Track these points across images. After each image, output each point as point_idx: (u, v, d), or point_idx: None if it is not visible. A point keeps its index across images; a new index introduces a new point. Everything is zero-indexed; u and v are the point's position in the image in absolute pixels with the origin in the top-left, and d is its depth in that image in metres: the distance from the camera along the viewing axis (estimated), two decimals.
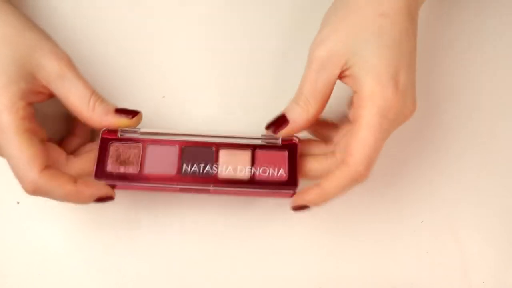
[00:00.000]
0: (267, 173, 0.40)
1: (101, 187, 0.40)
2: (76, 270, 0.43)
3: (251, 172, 0.40)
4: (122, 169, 0.40)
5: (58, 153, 0.40)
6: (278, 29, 0.48)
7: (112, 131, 0.41)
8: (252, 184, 0.40)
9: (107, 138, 0.41)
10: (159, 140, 0.41)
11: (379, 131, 0.37)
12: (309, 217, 0.45)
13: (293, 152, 0.40)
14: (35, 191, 0.37)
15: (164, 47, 0.47)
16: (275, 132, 0.40)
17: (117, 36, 0.47)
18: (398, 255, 0.44)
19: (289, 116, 0.39)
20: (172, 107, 0.46)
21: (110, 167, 0.40)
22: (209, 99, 0.46)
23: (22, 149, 0.36)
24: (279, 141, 0.41)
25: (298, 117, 0.39)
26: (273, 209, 0.45)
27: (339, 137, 0.41)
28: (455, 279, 0.44)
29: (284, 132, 0.40)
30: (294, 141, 0.41)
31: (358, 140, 0.37)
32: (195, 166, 0.40)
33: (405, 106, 0.38)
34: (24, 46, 0.38)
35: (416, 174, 0.46)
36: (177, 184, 0.40)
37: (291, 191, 0.40)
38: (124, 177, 0.40)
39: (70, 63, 0.39)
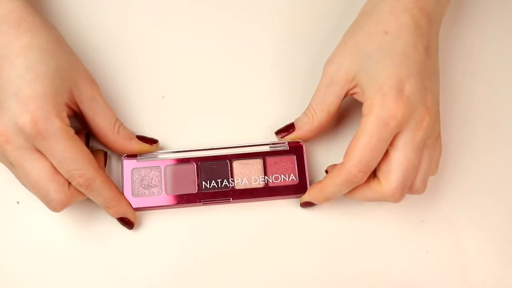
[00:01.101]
0: (279, 180, 0.44)
1: (130, 210, 0.43)
2: (76, 270, 0.43)
3: (264, 181, 0.43)
4: (147, 192, 0.43)
5: (98, 158, 0.43)
6: (279, 28, 0.48)
7: (132, 156, 0.44)
8: (267, 191, 0.43)
9: (129, 163, 0.43)
10: (176, 159, 0.44)
11: (375, 138, 0.38)
12: (309, 217, 0.45)
13: (300, 154, 0.44)
14: (88, 187, 0.39)
15: (164, 47, 0.47)
16: (282, 137, 0.44)
17: (118, 36, 0.47)
18: (398, 255, 0.44)
19: (296, 124, 0.44)
20: (172, 107, 0.46)
21: (136, 191, 0.43)
22: (211, 100, 0.46)
23: (76, 147, 0.38)
24: (287, 146, 0.44)
25: (304, 126, 0.43)
26: (273, 209, 0.45)
27: None
28: (455, 279, 0.44)
29: (289, 137, 0.44)
30: (300, 143, 0.44)
31: (355, 144, 0.39)
32: (213, 182, 0.43)
33: (415, 112, 0.38)
34: (66, 63, 0.40)
35: None
36: (199, 201, 0.43)
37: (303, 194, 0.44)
38: (149, 200, 0.43)
39: (99, 88, 0.42)
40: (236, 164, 0.44)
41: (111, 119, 0.42)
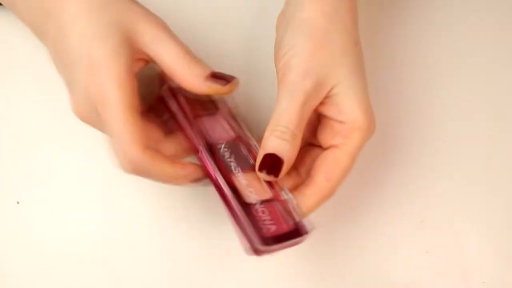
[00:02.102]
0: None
1: (197, 169, 0.38)
2: (76, 270, 0.43)
3: (255, 204, 0.38)
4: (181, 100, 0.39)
5: (156, 131, 0.38)
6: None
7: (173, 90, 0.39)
8: (246, 210, 0.37)
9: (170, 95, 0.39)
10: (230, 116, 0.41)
11: (355, 159, 0.38)
12: (309, 218, 0.45)
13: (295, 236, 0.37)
14: (134, 170, 0.36)
15: None
16: (273, 174, 0.37)
17: None
18: (398, 255, 0.44)
19: (281, 155, 0.37)
20: None
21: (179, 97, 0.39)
22: None
23: (126, 126, 0.35)
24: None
25: (290, 154, 0.37)
26: None
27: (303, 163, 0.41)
28: (455, 279, 0.44)
29: (281, 174, 0.37)
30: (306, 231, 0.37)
31: (339, 167, 0.38)
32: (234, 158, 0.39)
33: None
34: (119, 11, 0.37)
35: (416, 174, 0.46)
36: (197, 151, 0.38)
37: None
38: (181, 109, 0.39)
39: (164, 26, 0.38)
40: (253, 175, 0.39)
41: (178, 54, 0.37)
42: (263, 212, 0.37)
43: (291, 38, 0.38)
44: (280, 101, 0.37)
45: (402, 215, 0.45)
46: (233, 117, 0.42)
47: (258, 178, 0.39)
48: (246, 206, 0.37)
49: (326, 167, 0.38)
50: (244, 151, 0.40)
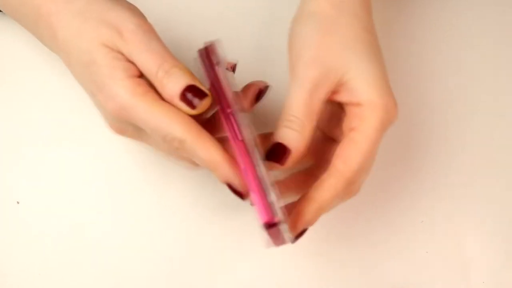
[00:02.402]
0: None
1: (235, 175, 0.35)
2: (76, 270, 0.43)
3: None
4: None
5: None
6: None
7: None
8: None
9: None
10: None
11: (376, 143, 0.36)
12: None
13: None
14: (182, 149, 0.35)
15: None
16: (278, 162, 0.36)
17: None
18: (398, 255, 0.44)
19: (288, 144, 0.36)
20: None
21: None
22: None
23: (156, 113, 0.35)
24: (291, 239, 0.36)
25: (298, 144, 0.36)
26: None
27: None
28: (455, 279, 0.44)
29: (289, 163, 0.36)
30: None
31: (356, 148, 0.36)
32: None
33: (396, 113, 0.38)
34: (92, 30, 0.36)
35: (416, 174, 0.46)
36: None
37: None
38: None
39: (136, 34, 0.36)
40: None
41: (151, 70, 0.35)
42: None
43: (301, 30, 0.38)
44: (289, 91, 0.37)
45: (402, 215, 0.45)
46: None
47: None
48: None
49: (344, 150, 0.36)
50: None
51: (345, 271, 0.44)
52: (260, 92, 0.39)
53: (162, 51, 0.36)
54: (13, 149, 0.44)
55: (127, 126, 0.37)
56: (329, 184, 0.36)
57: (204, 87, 0.36)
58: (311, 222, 0.37)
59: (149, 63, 0.35)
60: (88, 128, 0.44)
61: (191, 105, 0.35)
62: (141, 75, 0.36)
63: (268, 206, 0.34)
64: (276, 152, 0.36)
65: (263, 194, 0.35)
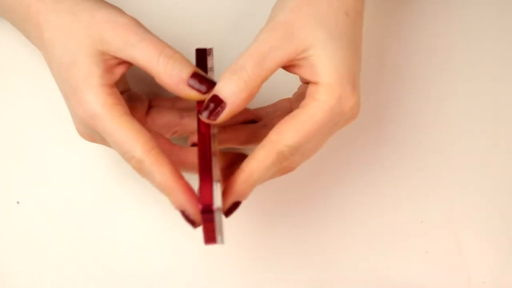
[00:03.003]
0: None
1: (194, 209, 0.35)
2: (76, 270, 0.43)
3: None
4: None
5: (163, 141, 0.38)
6: None
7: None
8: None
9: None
10: None
11: (319, 128, 0.35)
12: (309, 218, 0.45)
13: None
14: (139, 169, 0.35)
15: None
16: (210, 119, 0.35)
17: None
18: (398, 255, 0.44)
19: (223, 95, 0.34)
20: None
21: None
22: None
23: (122, 129, 0.34)
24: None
25: (236, 97, 0.34)
26: (271, 207, 0.45)
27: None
28: (455, 279, 0.44)
29: (220, 119, 0.35)
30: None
31: (294, 124, 0.34)
32: None
33: (353, 112, 0.36)
34: (87, 28, 0.36)
35: (416, 174, 0.46)
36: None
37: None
38: None
39: (130, 27, 0.36)
40: None
41: (151, 58, 0.35)
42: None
43: None
44: (247, 47, 0.35)
45: (402, 215, 0.45)
46: None
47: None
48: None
49: (281, 124, 0.35)
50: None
51: (345, 271, 0.44)
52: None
53: (160, 41, 0.36)
54: (13, 149, 0.44)
55: (95, 134, 0.37)
56: (259, 154, 0.35)
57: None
58: (241, 195, 0.35)
59: (148, 51, 0.35)
60: None
61: (199, 90, 0.35)
62: (115, 84, 0.36)
63: (211, 191, 0.33)
64: (208, 105, 0.35)
65: (211, 178, 0.34)
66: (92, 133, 0.37)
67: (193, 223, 0.35)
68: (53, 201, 0.44)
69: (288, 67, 0.36)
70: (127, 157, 0.35)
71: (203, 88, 0.35)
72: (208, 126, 0.36)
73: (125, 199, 0.44)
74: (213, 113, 0.35)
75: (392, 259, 0.44)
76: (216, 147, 0.36)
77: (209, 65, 0.38)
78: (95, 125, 0.35)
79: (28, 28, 0.39)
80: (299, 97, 0.40)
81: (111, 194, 0.44)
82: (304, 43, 0.35)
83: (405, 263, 0.44)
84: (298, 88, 0.41)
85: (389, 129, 0.46)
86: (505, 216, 0.46)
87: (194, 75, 0.35)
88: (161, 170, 0.35)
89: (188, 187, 0.35)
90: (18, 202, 0.44)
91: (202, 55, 0.39)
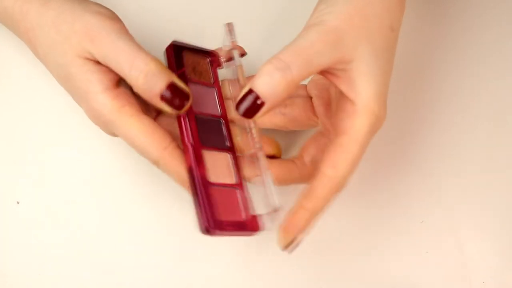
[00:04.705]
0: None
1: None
2: (76, 270, 0.43)
3: (214, 184, 0.36)
4: (185, 67, 0.38)
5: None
6: None
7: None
8: (204, 185, 0.35)
9: (210, 56, 0.40)
10: (221, 98, 0.39)
11: (364, 148, 0.35)
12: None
13: (241, 229, 0.36)
14: (158, 167, 0.36)
15: None
16: (246, 116, 0.34)
17: None
18: (398, 255, 0.44)
19: (261, 90, 0.33)
20: None
21: (185, 56, 0.38)
22: None
23: (135, 131, 0.35)
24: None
25: (275, 91, 0.33)
26: None
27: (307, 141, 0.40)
28: (455, 279, 0.44)
29: (258, 115, 0.34)
30: (254, 229, 0.36)
31: (346, 153, 0.35)
32: (204, 130, 0.37)
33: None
34: (65, 41, 0.36)
35: (416, 174, 0.46)
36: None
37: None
38: (178, 69, 0.37)
39: (105, 35, 0.35)
40: (225, 156, 0.38)
41: (124, 72, 0.34)
42: (221, 195, 0.36)
43: None
44: (293, 41, 0.34)
45: (402, 215, 0.45)
46: (230, 97, 0.40)
47: (227, 163, 0.38)
48: (207, 184, 0.36)
49: (332, 155, 0.35)
50: (224, 131, 0.39)
51: (345, 271, 0.44)
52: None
53: (133, 48, 0.35)
54: (13, 149, 0.44)
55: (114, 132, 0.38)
56: (320, 192, 0.35)
57: (183, 84, 0.35)
58: (303, 231, 0.36)
59: (120, 62, 0.35)
60: (89, 128, 0.44)
61: (174, 106, 0.35)
62: (119, 81, 0.36)
63: (202, 214, 0.35)
64: (247, 101, 0.33)
65: (198, 201, 0.35)
66: (111, 131, 0.38)
67: None
68: (53, 201, 0.44)
69: (323, 72, 0.35)
70: (145, 156, 0.36)
71: (176, 102, 0.35)
72: (192, 161, 0.36)
73: (125, 199, 0.44)
74: (250, 111, 0.33)
75: (392, 259, 0.44)
76: (259, 137, 0.36)
77: (227, 42, 0.38)
78: (110, 128, 0.36)
79: (26, 43, 0.40)
80: (318, 87, 0.40)
81: (111, 194, 0.44)
82: (349, 55, 0.34)
83: (405, 263, 0.44)
84: (312, 76, 0.41)
85: (389, 129, 0.46)
86: (505, 216, 0.46)
87: (168, 87, 0.35)
88: (176, 170, 0.35)
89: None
90: (18, 202, 0.44)
91: (178, 51, 0.39)
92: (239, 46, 0.38)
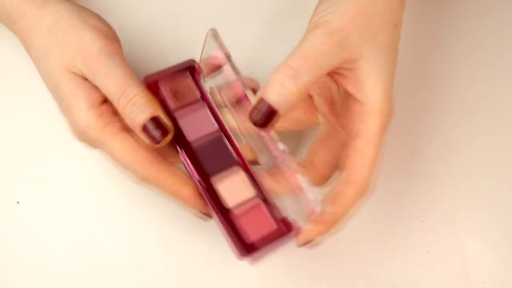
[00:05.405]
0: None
1: (202, 207, 0.37)
2: (76, 270, 0.43)
3: (235, 208, 0.37)
4: (165, 93, 0.38)
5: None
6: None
7: (200, 68, 0.39)
8: (225, 215, 0.36)
9: (187, 67, 0.38)
10: (213, 110, 0.39)
11: (380, 145, 0.36)
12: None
13: (279, 236, 0.37)
14: (144, 184, 0.36)
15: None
16: (263, 126, 0.33)
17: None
18: (398, 255, 0.44)
19: (275, 101, 0.33)
20: None
21: (162, 83, 0.38)
22: None
23: (120, 149, 0.35)
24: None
25: (287, 101, 0.33)
26: None
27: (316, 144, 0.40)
28: (455, 279, 0.44)
29: (274, 126, 0.34)
30: (290, 229, 0.37)
31: (364, 157, 0.35)
32: (207, 155, 0.38)
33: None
34: (57, 51, 0.36)
35: (416, 174, 0.46)
36: (180, 147, 0.37)
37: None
38: (159, 99, 0.37)
39: (100, 58, 0.35)
40: (236, 172, 0.38)
41: (113, 97, 0.35)
42: (245, 214, 0.37)
43: None
44: (298, 45, 0.34)
45: (402, 215, 0.45)
46: (222, 104, 0.40)
47: (241, 178, 0.38)
48: (227, 212, 0.36)
49: (351, 160, 0.36)
50: (227, 145, 0.39)
51: (345, 271, 0.44)
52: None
53: (126, 76, 0.35)
54: (13, 149, 0.44)
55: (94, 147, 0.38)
56: (347, 196, 0.36)
57: (167, 118, 0.36)
58: (327, 234, 0.37)
59: (111, 89, 0.35)
60: None
61: (153, 138, 0.35)
62: (105, 100, 0.36)
63: (231, 245, 0.36)
64: (260, 112, 0.33)
65: (223, 234, 0.36)
66: (94, 146, 0.38)
67: (205, 217, 0.38)
68: (53, 201, 0.44)
69: (336, 75, 0.36)
70: (130, 174, 0.36)
71: (157, 134, 0.35)
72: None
73: (125, 199, 0.44)
74: (265, 121, 0.33)
75: (392, 259, 0.44)
76: (274, 132, 0.35)
77: (213, 48, 0.37)
78: (92, 144, 0.37)
79: (21, 41, 0.40)
80: (318, 85, 0.40)
81: (111, 194, 0.44)
82: (355, 54, 0.35)
83: (405, 263, 0.44)
84: None
85: (389, 129, 0.46)
86: (505, 216, 0.46)
87: (151, 120, 0.35)
88: (164, 186, 0.36)
89: (192, 193, 0.36)
90: (18, 202, 0.44)
91: (153, 85, 0.38)
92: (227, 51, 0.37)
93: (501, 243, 0.45)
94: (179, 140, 0.38)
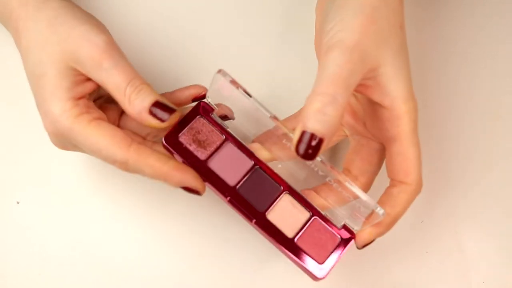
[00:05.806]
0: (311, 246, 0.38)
1: (192, 178, 0.37)
2: (76, 270, 0.43)
3: (297, 234, 0.38)
4: (191, 147, 0.38)
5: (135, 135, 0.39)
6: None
7: (209, 107, 0.39)
8: (291, 246, 0.38)
9: (199, 111, 0.38)
10: (240, 144, 0.39)
11: (418, 142, 0.37)
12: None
13: (345, 245, 0.39)
14: (127, 170, 0.36)
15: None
16: (309, 157, 0.33)
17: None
18: (398, 255, 0.44)
19: (318, 131, 0.32)
20: None
21: (183, 138, 0.38)
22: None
23: (98, 136, 0.36)
24: (341, 226, 0.39)
25: (331, 129, 0.33)
26: None
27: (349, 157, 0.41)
28: (455, 279, 0.44)
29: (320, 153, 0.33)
30: (352, 235, 0.39)
31: (410, 159, 0.37)
32: (253, 193, 0.38)
33: None
34: (62, 41, 0.36)
35: None
36: (226, 196, 0.38)
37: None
38: (188, 155, 0.38)
39: (105, 49, 0.36)
40: (285, 198, 0.38)
41: (119, 86, 0.36)
42: (309, 236, 0.38)
43: (338, 13, 0.36)
44: (323, 71, 0.34)
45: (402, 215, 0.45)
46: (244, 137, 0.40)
47: (291, 203, 0.39)
48: (291, 243, 0.38)
49: (399, 165, 0.37)
50: (267, 175, 0.39)
51: (345, 271, 0.44)
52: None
53: (132, 69, 0.37)
54: (13, 149, 0.44)
55: (66, 143, 0.38)
56: (402, 199, 0.37)
57: (168, 102, 0.37)
58: (383, 234, 0.38)
59: (118, 78, 0.36)
60: None
61: (160, 119, 0.36)
62: (85, 96, 0.37)
63: (306, 272, 0.38)
64: (306, 143, 0.32)
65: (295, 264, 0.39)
66: (63, 142, 0.38)
67: (198, 192, 0.37)
68: (53, 201, 0.44)
69: (360, 89, 0.37)
70: (110, 161, 0.36)
71: (164, 116, 0.36)
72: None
73: (125, 198, 0.44)
74: (312, 152, 0.32)
75: (392, 259, 0.44)
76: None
77: (224, 91, 0.36)
78: (64, 136, 0.37)
79: (10, 30, 0.40)
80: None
81: (111, 194, 0.44)
82: (374, 63, 0.35)
83: (405, 263, 0.44)
84: None
85: None
86: (505, 216, 0.46)
87: (156, 104, 0.36)
88: (147, 163, 0.36)
89: (178, 165, 0.37)
90: (18, 202, 0.44)
91: (174, 142, 0.38)
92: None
93: (501, 243, 0.45)
94: (220, 186, 0.38)
